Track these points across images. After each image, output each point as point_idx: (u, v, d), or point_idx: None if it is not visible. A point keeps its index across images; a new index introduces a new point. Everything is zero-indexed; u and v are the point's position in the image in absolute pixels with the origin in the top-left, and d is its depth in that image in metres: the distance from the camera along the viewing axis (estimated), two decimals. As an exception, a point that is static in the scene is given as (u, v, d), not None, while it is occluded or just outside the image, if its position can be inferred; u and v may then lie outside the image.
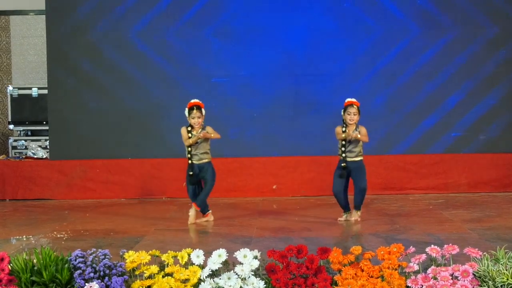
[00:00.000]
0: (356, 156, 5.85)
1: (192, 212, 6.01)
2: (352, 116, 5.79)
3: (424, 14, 8.02)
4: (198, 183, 6.05)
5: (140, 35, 8.06)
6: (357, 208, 5.98)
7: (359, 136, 5.77)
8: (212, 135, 5.91)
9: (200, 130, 5.89)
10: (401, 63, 8.00)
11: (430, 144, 7.98)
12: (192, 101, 5.92)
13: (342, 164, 5.84)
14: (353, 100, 5.85)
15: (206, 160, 6.00)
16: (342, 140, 5.83)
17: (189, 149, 5.95)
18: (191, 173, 5.96)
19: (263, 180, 7.84)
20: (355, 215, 5.98)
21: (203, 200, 6.03)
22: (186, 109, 5.91)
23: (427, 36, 8.00)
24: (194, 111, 5.86)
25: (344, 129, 5.82)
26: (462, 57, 7.99)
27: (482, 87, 8.00)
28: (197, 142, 5.93)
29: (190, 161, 5.96)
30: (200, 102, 5.92)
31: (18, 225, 6.16)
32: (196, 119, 5.86)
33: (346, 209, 6.00)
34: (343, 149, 5.84)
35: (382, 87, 8.01)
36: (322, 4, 8.03)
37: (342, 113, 5.86)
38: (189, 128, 5.92)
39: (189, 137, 5.91)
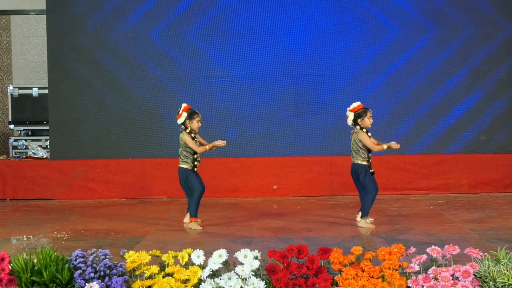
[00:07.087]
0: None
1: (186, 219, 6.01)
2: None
3: (437, 14, 7.97)
4: None
5: (140, 35, 8.05)
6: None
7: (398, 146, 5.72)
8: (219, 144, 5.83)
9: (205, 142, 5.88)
10: (405, 65, 7.99)
11: (432, 145, 7.97)
12: (187, 105, 5.81)
13: (371, 170, 5.72)
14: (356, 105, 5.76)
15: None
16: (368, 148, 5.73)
17: (195, 156, 5.83)
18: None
19: (263, 180, 7.84)
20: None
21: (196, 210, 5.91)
22: (186, 113, 5.75)
23: (433, 37, 7.99)
24: (199, 115, 5.81)
25: (369, 134, 5.72)
26: (473, 60, 7.96)
27: (488, 88, 7.98)
28: None
29: (195, 169, 5.83)
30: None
31: (18, 225, 6.16)
32: (199, 123, 5.83)
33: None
34: (369, 155, 5.74)
35: (383, 88, 7.99)
36: (323, 3, 8.02)
37: (361, 116, 5.70)
38: (193, 135, 5.82)
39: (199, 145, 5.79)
